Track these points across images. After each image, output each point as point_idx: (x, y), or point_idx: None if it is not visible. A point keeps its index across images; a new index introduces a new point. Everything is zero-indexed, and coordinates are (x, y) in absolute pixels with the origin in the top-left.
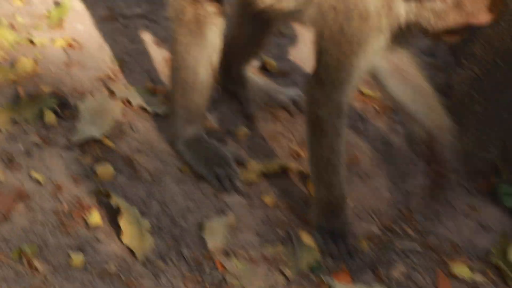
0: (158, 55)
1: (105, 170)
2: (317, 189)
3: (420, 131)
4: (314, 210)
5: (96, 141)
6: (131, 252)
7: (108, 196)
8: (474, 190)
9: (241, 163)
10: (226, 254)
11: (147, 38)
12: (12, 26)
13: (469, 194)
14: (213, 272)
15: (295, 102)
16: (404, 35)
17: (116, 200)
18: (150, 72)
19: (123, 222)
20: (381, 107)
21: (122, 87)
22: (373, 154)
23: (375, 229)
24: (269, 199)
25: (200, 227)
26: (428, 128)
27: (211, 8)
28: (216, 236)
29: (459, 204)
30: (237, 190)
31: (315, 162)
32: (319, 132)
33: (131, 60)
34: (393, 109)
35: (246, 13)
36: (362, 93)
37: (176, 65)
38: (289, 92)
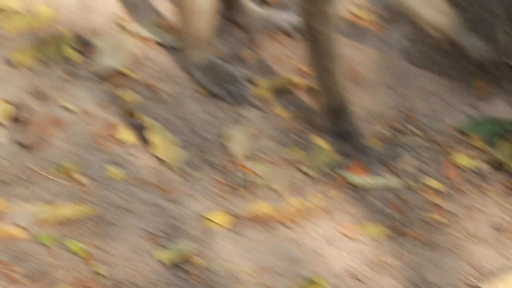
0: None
1: (128, 95)
2: (321, 96)
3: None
4: (322, 116)
5: (117, 72)
6: (163, 163)
7: (135, 116)
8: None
9: (250, 81)
10: (248, 158)
11: None
12: None
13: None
14: (239, 173)
15: (292, 25)
16: None
17: (143, 118)
18: (160, 11)
19: (152, 137)
20: (374, 26)
21: (136, 25)
22: (372, 66)
23: (380, 129)
24: (280, 110)
25: (222, 136)
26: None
27: None
28: (237, 143)
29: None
30: (250, 103)
31: (316, 71)
32: (314, 43)
33: (140, 2)
34: (385, 27)
35: None
36: (354, 14)
37: None
38: (286, 16)
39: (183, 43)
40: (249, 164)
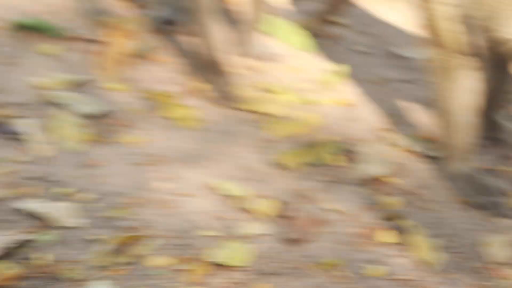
0: (423, 111)
1: (388, 200)
2: None
3: None
4: None
5: (379, 179)
6: (422, 264)
7: (395, 219)
8: None
9: (506, 194)
10: (504, 265)
11: (412, 97)
12: (296, 90)
13: None
14: (493, 279)
15: None
16: None
17: (403, 221)
18: (419, 124)
19: (411, 239)
20: None
21: (397, 136)
22: None
23: None
24: None
25: (478, 243)
26: None
27: (467, 61)
28: (493, 250)
29: None
30: (506, 214)
31: None
32: None
33: (401, 115)
34: None
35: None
36: None
37: (441, 110)
38: None
39: (444, 153)
40: (504, 271)
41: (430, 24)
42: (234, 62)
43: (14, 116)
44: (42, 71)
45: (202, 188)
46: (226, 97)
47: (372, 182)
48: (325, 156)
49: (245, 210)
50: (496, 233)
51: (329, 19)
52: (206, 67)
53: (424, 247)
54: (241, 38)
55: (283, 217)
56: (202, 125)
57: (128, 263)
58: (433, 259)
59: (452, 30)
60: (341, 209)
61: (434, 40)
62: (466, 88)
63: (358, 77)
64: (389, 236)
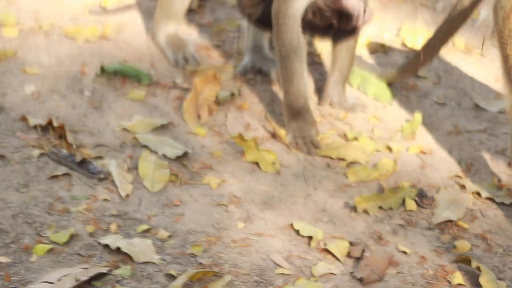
0: (500, 161)
1: (462, 244)
2: None
3: None
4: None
5: (452, 223)
6: None
7: (468, 262)
8: None
9: None
10: None
11: (489, 148)
12: (371, 138)
13: None
14: None
15: None
16: None
17: (475, 265)
18: (495, 173)
19: (484, 282)
20: None
21: (471, 183)
22: None
23: None
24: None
25: None
26: None
27: None
28: None
29: None
30: None
31: None
32: None
33: (476, 164)
34: None
35: None
36: None
37: None
38: None
39: None
40: None
41: None
42: (321, 111)
43: (101, 157)
44: (128, 115)
45: (278, 229)
46: (307, 143)
47: (446, 227)
48: (400, 201)
49: (319, 250)
50: None
51: (413, 72)
52: (291, 113)
53: None
54: (331, 88)
55: (355, 257)
56: (281, 169)
57: None
58: None
59: None
60: (415, 252)
61: None
62: None
63: (435, 127)
64: (461, 279)
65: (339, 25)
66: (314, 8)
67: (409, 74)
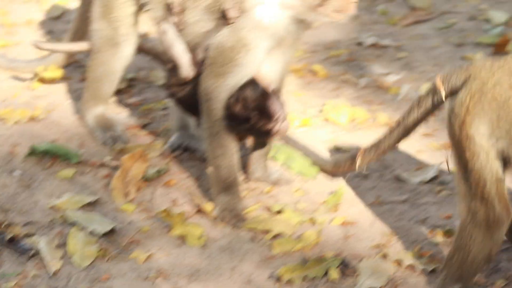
0: (422, 231)
1: None
2: None
3: None
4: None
5: None
6: None
7: None
8: None
9: None
10: None
11: (410, 218)
12: (296, 210)
13: None
14: None
15: None
16: None
17: None
18: (416, 242)
19: None
20: None
21: (393, 252)
22: None
23: None
24: None
25: None
26: None
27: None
28: None
29: None
30: None
31: None
32: None
33: (398, 234)
34: None
35: None
36: None
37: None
38: None
39: (447, 273)
40: None
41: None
42: (247, 185)
43: (31, 234)
44: (58, 193)
45: None
46: (235, 216)
47: None
48: (323, 271)
49: None
50: None
51: (347, 170)
52: (220, 188)
53: None
54: (254, 163)
55: None
56: (208, 242)
57: None
58: None
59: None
60: None
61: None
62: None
63: (358, 199)
64: None
65: (255, 122)
66: (241, 95)
67: (343, 171)
